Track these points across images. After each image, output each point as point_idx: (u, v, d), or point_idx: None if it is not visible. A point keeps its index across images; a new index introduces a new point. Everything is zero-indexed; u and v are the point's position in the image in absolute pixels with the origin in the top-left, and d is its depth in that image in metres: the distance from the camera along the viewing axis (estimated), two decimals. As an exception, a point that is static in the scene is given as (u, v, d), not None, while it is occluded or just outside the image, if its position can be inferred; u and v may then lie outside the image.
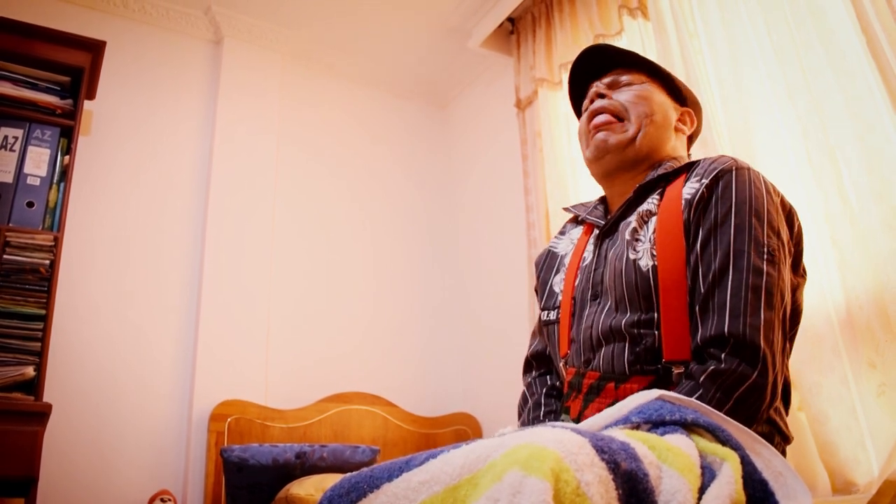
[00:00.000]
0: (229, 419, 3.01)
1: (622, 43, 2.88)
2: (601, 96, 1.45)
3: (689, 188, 1.25)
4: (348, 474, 1.02)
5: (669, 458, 0.84)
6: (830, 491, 1.83)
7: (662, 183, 1.35)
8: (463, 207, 4.19)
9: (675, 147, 1.45)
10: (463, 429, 3.61)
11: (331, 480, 2.49)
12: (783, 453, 1.21)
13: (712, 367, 1.08)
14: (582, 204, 1.60)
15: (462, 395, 3.83)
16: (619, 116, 1.41)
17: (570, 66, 2.91)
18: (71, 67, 2.86)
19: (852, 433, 1.82)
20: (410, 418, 3.52)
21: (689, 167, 1.33)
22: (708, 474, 0.87)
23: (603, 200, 1.53)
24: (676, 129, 1.45)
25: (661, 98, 1.44)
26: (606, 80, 1.49)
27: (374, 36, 3.90)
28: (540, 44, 3.35)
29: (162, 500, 2.82)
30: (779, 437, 1.20)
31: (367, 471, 0.98)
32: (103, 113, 3.28)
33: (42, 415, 2.29)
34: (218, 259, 3.32)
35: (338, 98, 4.10)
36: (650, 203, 1.31)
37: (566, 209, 1.61)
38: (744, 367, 1.07)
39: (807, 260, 1.92)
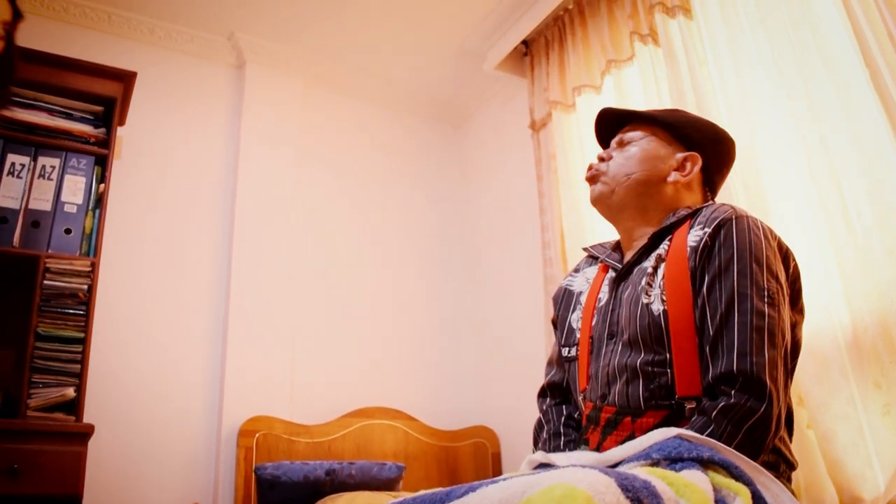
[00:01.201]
0: (257, 435, 3.12)
1: (633, 69, 2.97)
2: (601, 158, 1.61)
3: (694, 236, 1.36)
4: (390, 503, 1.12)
5: (687, 494, 0.93)
6: (839, 506, 1.92)
7: (673, 229, 1.45)
8: (478, 224, 4.29)
9: (678, 193, 1.55)
10: (482, 441, 3.70)
11: (361, 499, 2.58)
12: (789, 479, 1.30)
13: (723, 403, 1.18)
14: (600, 245, 1.70)
15: (480, 409, 3.93)
16: (599, 172, 1.59)
17: (582, 90, 3.04)
18: (104, 98, 2.98)
19: (859, 451, 1.91)
20: (430, 432, 3.62)
21: (693, 214, 1.43)
22: None
23: (619, 244, 1.64)
24: (675, 182, 1.54)
25: (656, 152, 1.55)
26: (617, 138, 1.62)
27: (392, 58, 4.01)
28: (553, 66, 3.45)
29: (194, 513, 2.93)
30: (784, 465, 1.30)
31: (409, 500, 1.08)
32: (132, 137, 3.40)
33: (85, 435, 2.40)
34: (243, 280, 3.43)
35: (356, 118, 4.21)
36: (662, 249, 1.42)
37: (585, 249, 1.72)
38: (752, 401, 1.18)
39: (814, 284, 2.03)
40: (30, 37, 3.22)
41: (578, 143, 3.20)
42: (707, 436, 1.15)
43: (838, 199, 2.07)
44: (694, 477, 0.98)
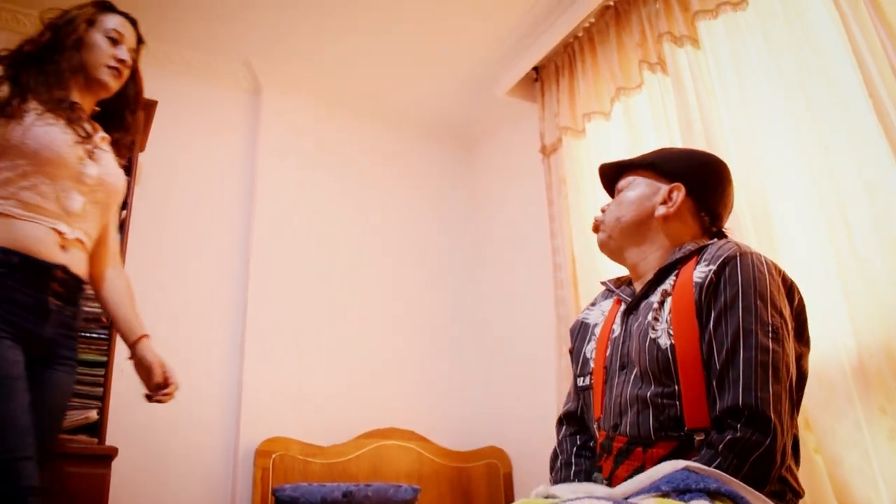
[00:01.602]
0: (274, 455, 3.18)
1: (642, 97, 3.03)
2: (603, 211, 1.72)
3: (699, 272, 1.41)
4: None
5: None
6: (846, 529, 1.96)
7: (679, 265, 1.51)
8: (490, 247, 4.35)
9: (675, 232, 1.60)
10: (494, 462, 3.75)
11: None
12: (796, 506, 1.36)
13: (729, 437, 1.24)
14: (616, 278, 1.77)
15: (492, 429, 3.97)
16: (599, 223, 1.71)
17: (592, 116, 3.11)
18: (125, 126, 3.06)
19: (865, 475, 1.95)
20: (443, 452, 3.67)
21: (699, 251, 1.49)
22: None
23: (629, 281, 1.70)
24: (664, 216, 1.60)
25: (643, 192, 1.63)
26: (616, 187, 1.73)
27: (405, 82, 4.08)
28: (564, 93, 3.52)
29: (212, 533, 2.99)
30: (791, 494, 1.35)
31: None
32: (151, 163, 3.47)
33: (108, 457, 2.46)
34: (260, 303, 3.50)
35: (370, 141, 4.28)
36: (668, 284, 1.48)
37: (603, 283, 1.78)
38: (757, 435, 1.23)
39: (821, 312, 2.08)
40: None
41: (588, 169, 3.26)
42: (714, 468, 1.20)
43: (845, 228, 2.12)
44: None
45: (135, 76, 2.08)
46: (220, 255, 3.57)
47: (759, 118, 2.50)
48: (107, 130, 2.02)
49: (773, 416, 1.24)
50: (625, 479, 1.32)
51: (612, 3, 3.25)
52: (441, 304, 4.19)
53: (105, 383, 2.63)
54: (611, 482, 1.39)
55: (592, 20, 3.38)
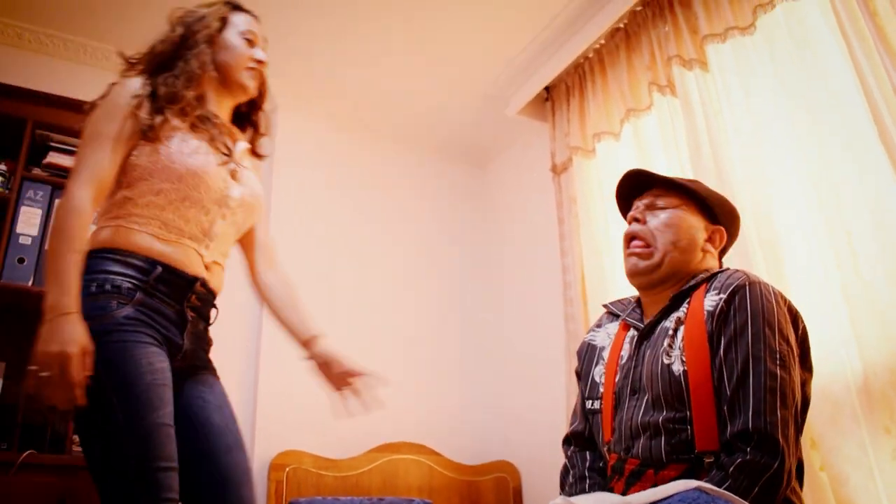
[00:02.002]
0: (288, 469, 3.23)
1: (651, 118, 3.09)
2: (637, 220, 1.68)
3: (710, 301, 1.47)
4: None
5: None
6: (851, 546, 2.00)
7: (691, 292, 1.56)
8: (500, 263, 4.41)
9: (703, 262, 1.66)
10: (503, 476, 3.79)
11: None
12: (799, 524, 1.41)
13: (740, 460, 1.29)
14: (619, 301, 1.81)
15: (502, 444, 4.01)
16: (648, 243, 1.63)
17: (602, 137, 3.16)
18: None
19: (870, 494, 1.99)
20: (454, 466, 3.72)
21: (709, 279, 1.54)
22: None
23: (639, 302, 1.74)
24: (704, 250, 1.66)
25: (691, 221, 1.65)
26: (646, 200, 1.71)
27: (419, 101, 4.14)
28: (574, 113, 3.57)
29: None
30: (794, 511, 1.40)
31: None
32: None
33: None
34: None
35: (383, 158, 4.35)
36: (681, 311, 1.53)
37: (605, 306, 1.83)
38: (766, 458, 1.28)
39: (828, 334, 2.13)
40: (73, 84, 3.40)
41: (598, 188, 3.31)
42: (724, 489, 1.25)
43: (850, 253, 2.18)
44: None
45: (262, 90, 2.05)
46: (235, 269, 3.62)
47: (766, 141, 2.55)
48: (240, 130, 2.03)
49: (781, 440, 1.30)
50: (636, 499, 1.38)
51: (622, 26, 3.32)
52: (453, 320, 4.24)
53: (125, 397, 2.68)
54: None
55: (603, 42, 3.44)
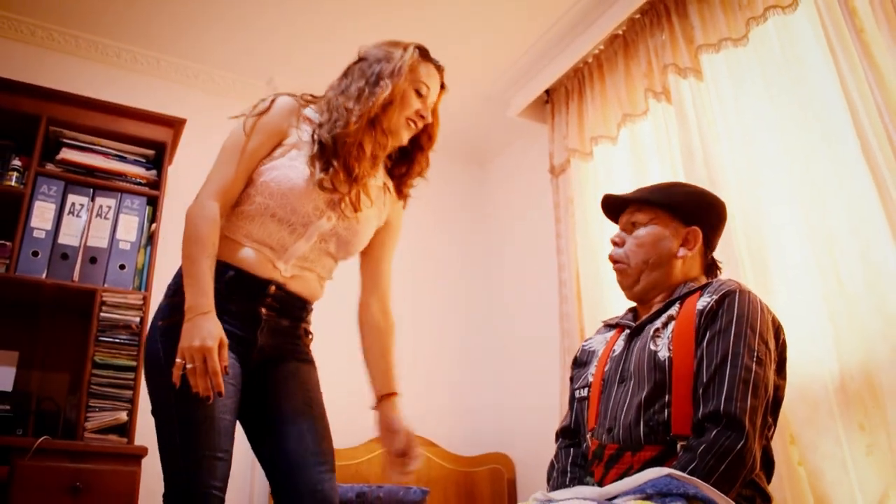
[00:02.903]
0: (289, 458, 3.33)
1: (647, 123, 3.19)
2: (615, 243, 1.83)
3: (702, 302, 1.60)
4: None
5: None
6: (826, 539, 2.11)
7: (685, 297, 1.68)
8: (498, 260, 4.51)
9: (686, 271, 1.76)
10: (498, 468, 3.90)
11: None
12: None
13: (706, 442, 1.41)
14: (616, 317, 1.93)
15: (498, 436, 4.12)
16: (625, 263, 1.79)
17: (599, 140, 3.25)
18: (155, 142, 3.23)
19: (844, 488, 2.10)
20: (451, 457, 3.83)
21: (704, 287, 1.66)
22: None
23: (633, 310, 1.86)
24: (679, 258, 1.76)
25: (663, 234, 1.76)
26: (625, 218, 1.83)
27: (420, 102, 4.23)
28: (573, 116, 3.67)
29: (230, 530, 3.14)
30: (760, 499, 1.51)
31: None
32: (178, 176, 3.63)
33: (139, 456, 2.63)
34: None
35: (384, 157, 4.44)
36: (673, 311, 1.65)
37: (605, 322, 1.95)
38: (732, 438, 1.40)
39: (808, 336, 2.25)
40: (86, 82, 3.49)
41: (594, 190, 3.40)
42: (692, 470, 1.37)
43: (831, 259, 2.28)
44: None
45: (433, 122, 2.04)
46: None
47: (756, 149, 2.65)
48: (394, 164, 2.06)
49: (748, 424, 1.41)
50: (613, 483, 1.49)
51: (620, 33, 3.41)
52: (452, 316, 4.35)
53: (134, 386, 2.79)
54: (601, 486, 1.55)
55: (602, 48, 3.53)
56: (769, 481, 1.58)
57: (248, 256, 1.78)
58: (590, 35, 3.51)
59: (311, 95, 1.95)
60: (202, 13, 3.54)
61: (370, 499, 2.96)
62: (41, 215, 2.92)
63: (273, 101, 1.88)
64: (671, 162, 2.97)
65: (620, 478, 1.51)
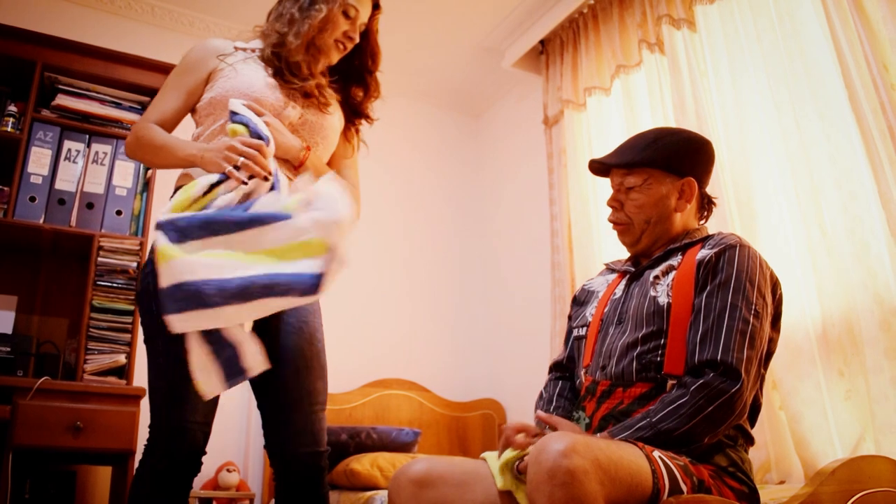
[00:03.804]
0: (285, 401, 3.41)
1: (640, 75, 3.20)
2: (614, 207, 1.81)
3: (702, 254, 1.63)
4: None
5: None
6: (803, 479, 2.19)
7: (687, 248, 1.71)
8: (492, 210, 4.55)
9: (685, 220, 1.79)
10: (489, 413, 3.99)
11: (382, 458, 2.88)
12: (746, 451, 1.58)
13: (702, 380, 1.46)
14: (618, 260, 1.96)
15: (489, 382, 4.20)
16: (626, 223, 1.79)
17: (593, 91, 3.26)
18: (151, 89, 3.22)
19: (822, 431, 2.18)
20: (443, 403, 3.91)
21: (705, 239, 1.69)
22: None
23: (634, 257, 1.89)
24: (678, 210, 1.79)
25: (659, 191, 1.77)
26: (616, 179, 1.82)
27: (417, 53, 4.23)
28: (567, 67, 3.68)
29: (227, 470, 3.24)
30: (742, 439, 1.57)
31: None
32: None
33: (137, 397, 2.69)
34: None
35: (377, 106, 4.43)
36: (673, 260, 1.69)
37: (606, 265, 1.98)
38: (727, 384, 1.45)
39: (792, 284, 2.30)
40: (81, 28, 3.48)
41: (587, 141, 3.44)
42: (680, 405, 1.45)
43: (815, 208, 2.33)
44: None
45: (370, 39, 2.12)
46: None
47: (746, 102, 2.68)
48: (348, 91, 2.10)
49: (743, 374, 1.46)
50: (604, 417, 1.55)
51: (616, -17, 3.41)
52: (445, 266, 4.40)
53: (132, 330, 2.83)
54: (592, 420, 1.61)
55: (597, -2, 3.53)
56: (753, 426, 1.64)
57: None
58: (585, -16, 3.51)
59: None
60: (196, -41, 3.52)
61: (362, 439, 3.04)
62: (38, 161, 2.94)
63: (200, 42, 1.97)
64: (664, 113, 3.00)
65: (611, 411, 1.57)
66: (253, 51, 1.93)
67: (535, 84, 4.10)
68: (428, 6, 3.83)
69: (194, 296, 1.43)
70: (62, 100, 3.07)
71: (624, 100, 3.25)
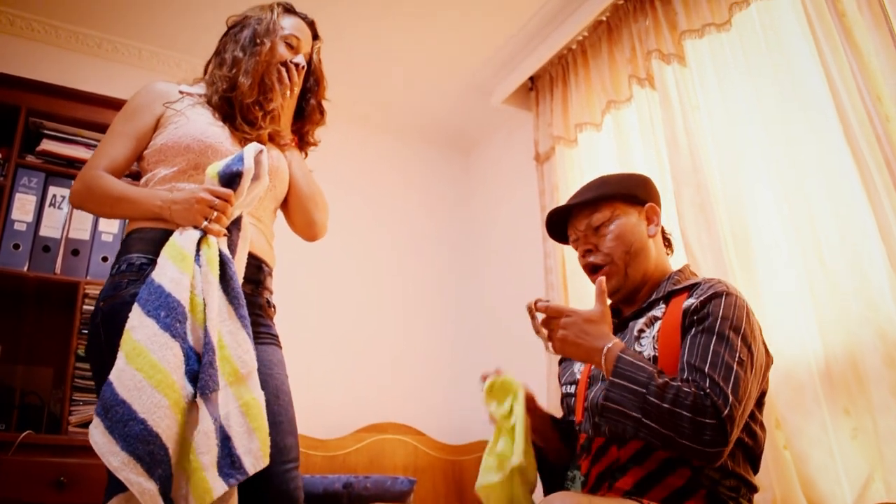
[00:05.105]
0: (277, 448, 3.33)
1: (631, 110, 3.18)
2: (589, 252, 1.76)
3: (689, 302, 1.57)
4: None
5: None
6: (812, 521, 2.13)
7: (672, 296, 1.66)
8: (484, 249, 4.51)
9: (658, 258, 1.76)
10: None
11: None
12: (750, 501, 1.51)
13: (688, 381, 1.41)
14: None
15: (484, 424, 4.10)
16: (609, 263, 1.73)
17: (584, 127, 3.24)
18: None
19: (829, 472, 2.12)
20: (438, 446, 3.83)
21: (691, 287, 1.63)
22: None
23: (616, 308, 1.84)
24: (650, 236, 1.75)
25: (630, 221, 1.74)
26: (581, 224, 1.77)
27: (407, 91, 4.22)
28: (557, 103, 3.66)
29: (218, 522, 3.14)
30: (745, 489, 1.51)
31: None
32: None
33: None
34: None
35: (369, 145, 4.43)
36: (657, 311, 1.64)
37: None
38: (714, 398, 1.37)
39: (791, 320, 2.26)
40: (66, 72, 3.46)
41: (579, 177, 3.40)
42: (651, 393, 1.39)
43: (814, 242, 2.29)
44: None
45: (314, 71, 2.15)
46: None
47: (740, 135, 2.65)
48: (295, 120, 2.13)
49: (731, 397, 1.38)
50: (600, 474, 1.49)
51: (604, 19, 3.40)
52: (437, 305, 4.34)
53: (119, 379, 2.76)
54: (587, 478, 1.55)
55: (586, 34, 3.52)
56: (756, 472, 1.57)
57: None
58: (574, 21, 3.50)
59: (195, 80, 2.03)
60: (184, 2, 3.50)
61: (357, 489, 2.95)
62: (22, 207, 2.89)
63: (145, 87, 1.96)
64: (655, 148, 2.97)
65: (607, 469, 1.51)
66: (201, 96, 1.92)
67: (525, 120, 4.08)
68: (415, 45, 3.82)
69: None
70: (47, 145, 3.03)
71: (615, 135, 3.23)
